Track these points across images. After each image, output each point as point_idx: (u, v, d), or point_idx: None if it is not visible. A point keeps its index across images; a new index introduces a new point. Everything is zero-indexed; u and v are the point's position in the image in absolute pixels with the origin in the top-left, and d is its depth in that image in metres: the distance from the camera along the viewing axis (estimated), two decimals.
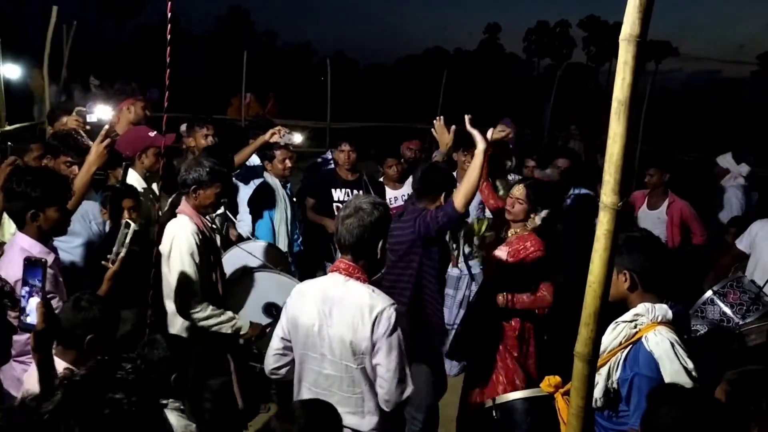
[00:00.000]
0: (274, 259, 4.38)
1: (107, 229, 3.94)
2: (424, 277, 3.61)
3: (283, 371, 2.79)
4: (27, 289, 2.05)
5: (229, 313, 3.47)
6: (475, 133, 3.60)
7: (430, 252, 3.61)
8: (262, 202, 4.98)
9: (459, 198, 3.48)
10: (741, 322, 3.85)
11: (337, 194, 5.40)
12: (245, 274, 3.99)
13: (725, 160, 6.78)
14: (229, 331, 3.46)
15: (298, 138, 5.30)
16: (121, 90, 4.88)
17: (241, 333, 3.52)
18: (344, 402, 2.59)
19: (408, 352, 2.62)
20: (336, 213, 5.26)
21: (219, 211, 4.58)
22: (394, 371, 2.53)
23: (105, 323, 2.49)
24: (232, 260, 4.13)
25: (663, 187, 5.55)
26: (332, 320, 2.57)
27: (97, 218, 3.97)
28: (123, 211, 3.65)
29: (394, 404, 2.60)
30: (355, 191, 5.35)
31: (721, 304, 4.01)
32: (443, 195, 3.70)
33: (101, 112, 4.23)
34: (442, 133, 4.23)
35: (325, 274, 5.34)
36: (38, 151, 4.05)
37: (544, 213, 4.23)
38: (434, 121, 4.29)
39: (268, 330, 3.56)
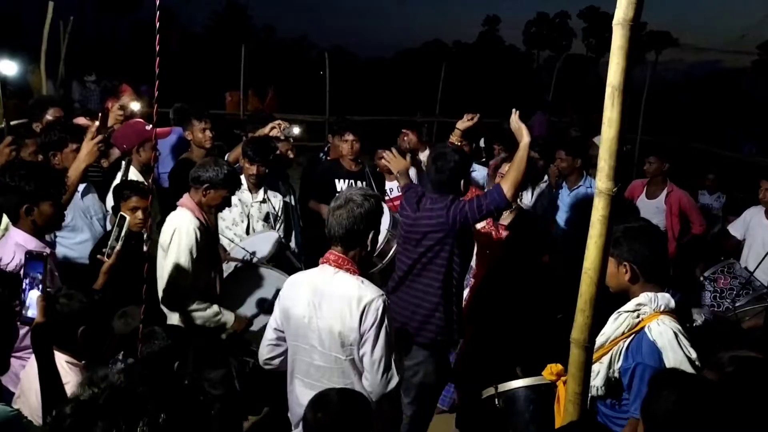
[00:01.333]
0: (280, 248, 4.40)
1: (108, 224, 3.94)
2: (454, 269, 3.54)
3: (276, 361, 2.82)
4: (27, 282, 2.05)
5: (215, 308, 3.48)
6: (521, 127, 3.63)
7: (463, 241, 3.57)
8: None
9: (509, 186, 3.43)
10: (731, 306, 3.87)
11: (340, 185, 5.37)
12: (244, 271, 4.00)
13: (599, 140, 6.83)
14: (214, 325, 3.48)
15: (296, 130, 5.31)
16: (107, 87, 4.90)
17: (226, 327, 3.54)
18: None
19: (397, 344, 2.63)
20: None
21: (258, 198, 4.63)
22: (380, 362, 2.55)
23: (92, 313, 2.47)
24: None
25: (662, 176, 5.54)
26: (321, 312, 2.58)
27: (98, 214, 3.97)
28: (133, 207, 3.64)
29: (378, 395, 2.61)
30: (358, 182, 5.34)
31: (711, 289, 4.04)
32: (462, 181, 3.66)
33: (135, 105, 4.36)
34: (397, 160, 4.25)
35: None
36: (33, 146, 4.02)
37: (528, 194, 4.28)
38: (385, 154, 4.32)
39: (252, 318, 3.64)
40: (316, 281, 2.64)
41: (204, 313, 3.43)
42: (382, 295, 2.58)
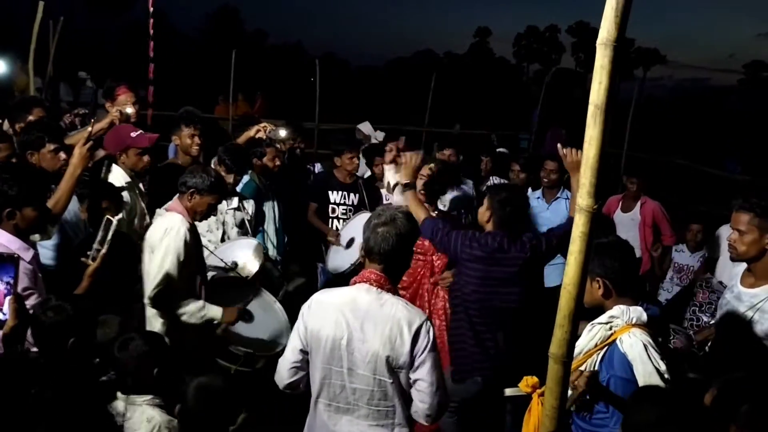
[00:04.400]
0: (256, 255, 4.37)
1: (80, 224, 3.90)
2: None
3: (300, 385, 2.68)
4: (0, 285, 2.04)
5: (199, 303, 3.49)
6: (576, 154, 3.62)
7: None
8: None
9: None
10: (711, 321, 3.92)
11: (334, 196, 5.50)
12: (224, 281, 4.02)
13: (365, 128, 7.13)
14: (200, 321, 3.47)
15: (283, 133, 5.31)
16: (109, 88, 4.85)
17: (215, 322, 3.54)
18: (373, 415, 2.54)
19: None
20: (331, 214, 5.37)
21: (233, 205, 4.62)
22: (437, 386, 2.49)
23: (80, 323, 2.47)
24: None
25: (639, 191, 5.67)
26: (365, 334, 2.47)
27: (70, 213, 3.93)
28: (101, 208, 3.64)
29: (435, 418, 2.56)
30: (351, 194, 5.50)
31: (690, 304, 4.10)
32: None
33: (129, 109, 4.45)
34: (411, 159, 3.95)
35: (315, 275, 5.35)
36: (7, 151, 3.98)
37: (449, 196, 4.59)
38: (395, 145, 4.09)
39: (242, 307, 3.65)
40: (356, 301, 2.52)
41: (187, 308, 3.43)
42: (428, 318, 2.54)
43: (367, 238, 2.56)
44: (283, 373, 2.65)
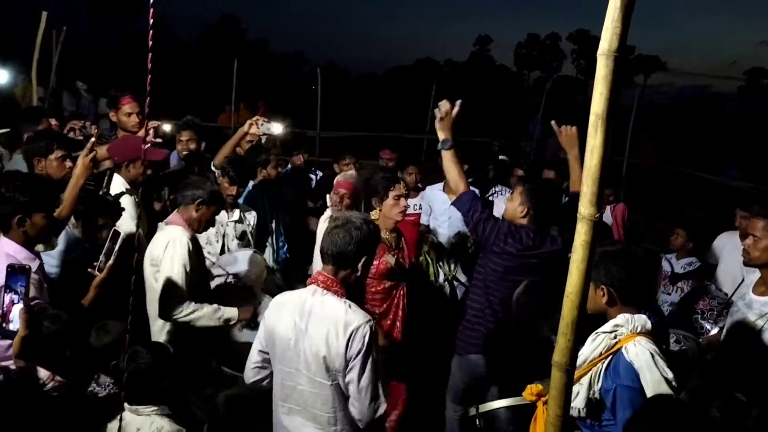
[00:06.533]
0: (257, 267, 4.36)
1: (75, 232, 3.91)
2: None
3: (264, 383, 2.77)
4: (10, 295, 2.05)
5: (213, 306, 3.51)
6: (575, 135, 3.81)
7: None
8: None
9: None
10: (713, 330, 3.89)
11: None
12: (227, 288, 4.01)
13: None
14: (218, 323, 3.50)
15: (277, 128, 5.27)
16: (113, 98, 4.86)
17: (232, 323, 3.57)
18: (318, 419, 2.58)
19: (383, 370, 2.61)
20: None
21: (234, 217, 4.62)
22: (367, 389, 2.52)
23: (76, 334, 2.48)
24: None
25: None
26: (308, 334, 2.53)
27: (73, 221, 3.95)
28: (97, 222, 3.65)
29: (367, 422, 2.59)
30: None
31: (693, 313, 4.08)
32: None
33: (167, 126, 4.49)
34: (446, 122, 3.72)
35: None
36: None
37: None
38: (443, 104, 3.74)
39: (258, 308, 3.65)
40: (304, 302, 2.60)
41: (202, 312, 3.46)
42: (369, 320, 2.55)
43: (321, 240, 2.65)
44: (249, 372, 2.78)
